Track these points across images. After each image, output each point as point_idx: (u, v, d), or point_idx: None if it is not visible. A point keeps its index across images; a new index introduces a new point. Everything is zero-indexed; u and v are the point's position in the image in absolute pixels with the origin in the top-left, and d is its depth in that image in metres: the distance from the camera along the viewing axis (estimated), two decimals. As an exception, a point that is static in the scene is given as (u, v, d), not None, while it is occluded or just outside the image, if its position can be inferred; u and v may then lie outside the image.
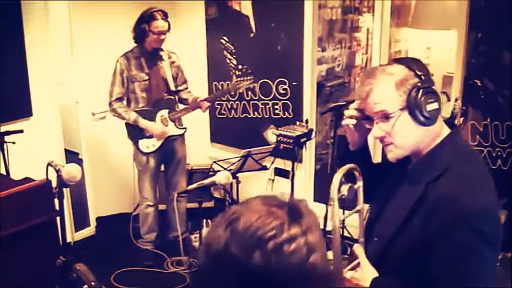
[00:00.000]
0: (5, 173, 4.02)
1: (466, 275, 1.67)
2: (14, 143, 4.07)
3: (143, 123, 4.74)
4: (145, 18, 4.58)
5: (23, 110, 4.64)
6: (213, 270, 1.11)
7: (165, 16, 4.61)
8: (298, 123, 5.09)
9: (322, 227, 4.48)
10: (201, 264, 1.16)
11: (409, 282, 1.77)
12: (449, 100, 4.39)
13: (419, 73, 1.78)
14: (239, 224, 1.08)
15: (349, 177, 1.91)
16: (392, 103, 1.79)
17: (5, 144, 4.02)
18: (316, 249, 1.08)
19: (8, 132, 4.07)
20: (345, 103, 4.79)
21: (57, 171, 2.94)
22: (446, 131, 1.86)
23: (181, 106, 5.00)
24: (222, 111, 5.94)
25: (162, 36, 4.64)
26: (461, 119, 4.15)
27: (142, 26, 4.59)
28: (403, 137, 1.82)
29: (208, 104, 4.83)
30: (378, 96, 1.81)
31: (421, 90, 1.75)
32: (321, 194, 5.32)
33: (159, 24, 4.57)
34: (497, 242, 1.70)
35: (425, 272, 1.71)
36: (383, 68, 1.87)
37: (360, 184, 1.94)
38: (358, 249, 1.91)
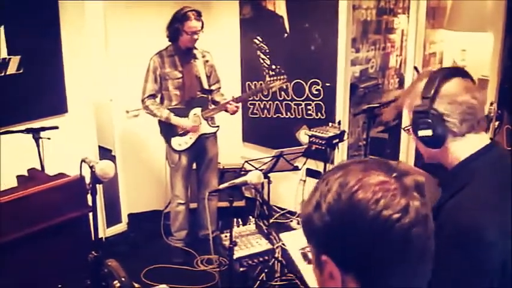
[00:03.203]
0: (40, 168, 4.07)
1: None
2: (49, 138, 4.12)
3: (175, 119, 4.76)
4: (179, 18, 4.60)
5: (59, 106, 4.71)
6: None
7: (198, 16, 4.63)
8: (330, 124, 5.06)
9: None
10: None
11: None
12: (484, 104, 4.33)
13: (424, 94, 1.75)
14: (360, 199, 1.04)
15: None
16: (407, 119, 1.85)
17: (40, 140, 4.07)
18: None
19: (44, 128, 4.12)
20: (378, 105, 4.76)
21: (91, 167, 2.97)
22: (479, 144, 1.75)
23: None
24: (255, 111, 5.94)
25: (196, 36, 4.66)
26: (497, 123, 4.09)
27: (176, 26, 4.62)
28: (420, 147, 1.86)
29: (235, 109, 4.82)
30: (404, 109, 1.86)
31: (415, 114, 1.76)
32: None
33: (193, 24, 4.59)
34: (490, 270, 1.56)
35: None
36: (418, 77, 1.85)
37: None
38: None
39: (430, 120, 1.72)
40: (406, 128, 1.85)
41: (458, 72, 1.78)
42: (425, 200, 1.07)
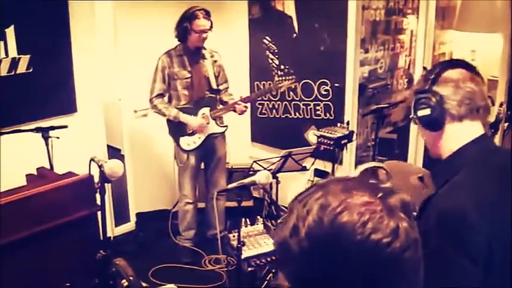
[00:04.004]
0: (49, 167, 4.09)
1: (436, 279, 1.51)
2: (58, 138, 4.13)
3: (184, 117, 4.76)
4: (188, 17, 4.61)
5: (68, 106, 4.73)
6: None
7: (207, 15, 4.63)
8: (339, 124, 5.06)
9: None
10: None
11: None
12: (493, 105, 4.30)
13: (426, 77, 1.81)
14: (345, 222, 0.95)
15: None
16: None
17: (49, 139, 4.08)
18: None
19: (53, 127, 4.13)
20: (387, 105, 4.75)
21: (100, 166, 2.99)
22: (473, 134, 1.79)
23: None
24: (263, 111, 5.94)
25: (204, 35, 4.65)
26: (506, 124, 4.06)
27: (185, 25, 4.62)
28: (422, 135, 1.92)
29: (243, 109, 4.82)
30: None
31: (416, 95, 1.81)
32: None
33: (201, 23, 4.59)
34: (476, 253, 1.56)
35: None
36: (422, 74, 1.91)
37: None
38: None
39: (430, 101, 1.77)
40: (411, 117, 1.87)
41: (463, 63, 1.82)
42: (412, 222, 1.00)
